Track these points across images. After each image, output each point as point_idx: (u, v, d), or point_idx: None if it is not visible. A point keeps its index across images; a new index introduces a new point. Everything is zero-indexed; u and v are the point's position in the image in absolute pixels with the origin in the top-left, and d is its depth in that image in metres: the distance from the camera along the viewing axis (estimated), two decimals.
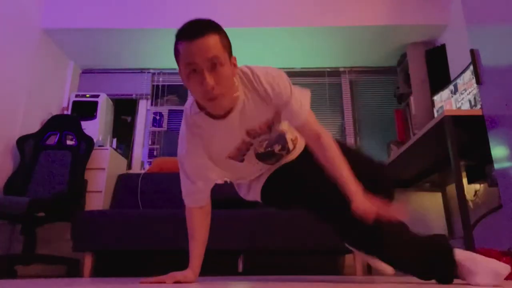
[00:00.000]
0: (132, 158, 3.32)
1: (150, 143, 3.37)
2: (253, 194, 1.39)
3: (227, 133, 1.17)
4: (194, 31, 1.01)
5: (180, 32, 1.04)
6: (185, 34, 1.02)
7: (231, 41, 1.10)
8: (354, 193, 1.08)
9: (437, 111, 2.47)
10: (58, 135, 2.69)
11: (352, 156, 1.24)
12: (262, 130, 1.21)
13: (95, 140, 2.72)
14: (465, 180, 2.31)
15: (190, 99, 1.20)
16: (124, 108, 3.45)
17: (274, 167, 1.33)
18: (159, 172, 2.93)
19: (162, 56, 3.34)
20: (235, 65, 1.11)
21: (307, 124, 1.20)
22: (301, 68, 3.51)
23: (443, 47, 2.90)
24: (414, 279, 1.16)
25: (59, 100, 3.24)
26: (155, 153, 3.33)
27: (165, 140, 3.36)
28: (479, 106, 1.96)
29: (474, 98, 2.03)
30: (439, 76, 2.82)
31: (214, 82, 1.01)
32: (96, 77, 3.51)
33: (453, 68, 2.78)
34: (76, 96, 3.06)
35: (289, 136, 1.29)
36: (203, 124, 1.15)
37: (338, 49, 3.25)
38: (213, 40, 1.01)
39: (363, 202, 1.05)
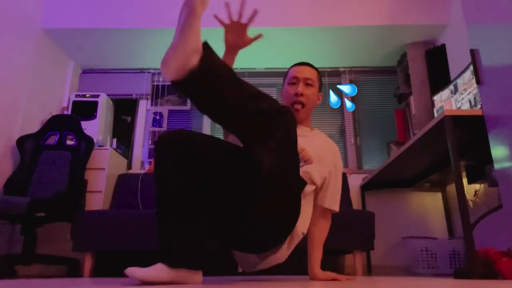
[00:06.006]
0: (132, 158, 3.32)
1: (150, 143, 3.37)
2: None
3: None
4: (302, 63, 1.54)
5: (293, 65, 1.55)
6: (296, 64, 1.54)
7: None
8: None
9: (437, 111, 2.47)
10: (58, 135, 2.69)
11: None
12: (305, 162, 1.36)
13: (95, 140, 2.72)
14: (465, 180, 2.32)
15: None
16: (124, 108, 3.45)
17: None
18: None
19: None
20: (318, 99, 1.53)
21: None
22: None
23: (443, 47, 2.90)
24: (415, 278, 1.16)
25: (59, 100, 3.24)
26: None
27: None
28: (479, 106, 1.96)
29: (474, 98, 2.03)
30: (439, 76, 2.82)
31: (302, 92, 1.45)
32: (96, 77, 3.51)
33: (453, 68, 2.78)
34: (76, 96, 3.06)
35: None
36: None
37: (338, 49, 3.25)
38: (311, 70, 1.51)
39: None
